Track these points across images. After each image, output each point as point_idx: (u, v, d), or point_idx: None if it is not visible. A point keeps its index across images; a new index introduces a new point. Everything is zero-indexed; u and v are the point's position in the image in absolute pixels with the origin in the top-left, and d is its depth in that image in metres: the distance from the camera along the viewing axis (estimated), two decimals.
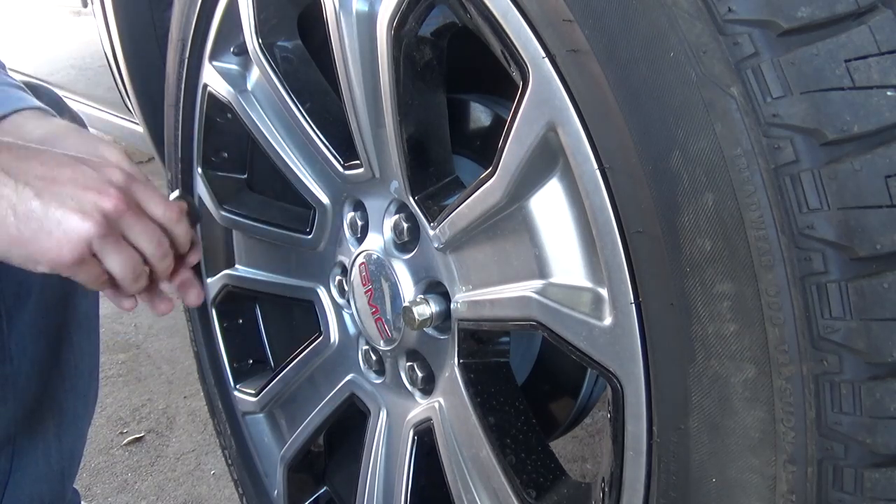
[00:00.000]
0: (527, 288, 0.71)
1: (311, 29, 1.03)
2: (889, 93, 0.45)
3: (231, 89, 1.09)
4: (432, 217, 0.83)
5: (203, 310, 1.37)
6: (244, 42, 1.02)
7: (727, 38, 0.47)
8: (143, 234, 0.83)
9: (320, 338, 1.14)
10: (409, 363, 0.97)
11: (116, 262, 0.82)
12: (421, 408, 0.95)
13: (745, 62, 0.47)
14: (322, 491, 1.30)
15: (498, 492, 0.81)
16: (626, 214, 0.56)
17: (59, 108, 1.06)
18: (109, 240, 0.79)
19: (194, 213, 0.97)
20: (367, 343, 1.06)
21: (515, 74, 0.64)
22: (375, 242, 0.95)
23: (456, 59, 0.84)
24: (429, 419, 0.92)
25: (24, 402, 1.14)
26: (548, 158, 0.65)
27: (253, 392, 1.28)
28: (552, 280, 0.70)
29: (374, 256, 0.95)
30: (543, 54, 0.59)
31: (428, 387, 0.95)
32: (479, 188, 0.72)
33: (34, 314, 1.12)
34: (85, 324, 1.21)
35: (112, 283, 0.85)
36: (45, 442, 1.20)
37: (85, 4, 1.66)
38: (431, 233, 0.83)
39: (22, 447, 1.16)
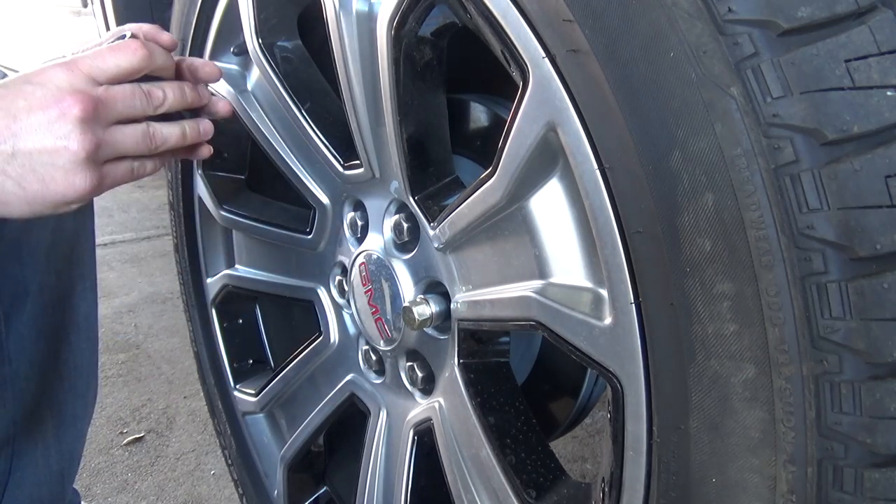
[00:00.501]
0: (527, 288, 0.71)
1: (311, 29, 1.03)
2: (889, 93, 0.45)
3: (231, 89, 1.09)
4: (432, 217, 0.83)
5: (203, 310, 1.37)
6: (244, 42, 1.02)
7: (727, 38, 0.47)
8: (126, 101, 0.78)
9: (320, 338, 1.14)
10: (409, 363, 0.97)
11: (129, 147, 0.78)
12: (421, 408, 0.95)
13: (745, 62, 0.47)
14: (322, 491, 1.30)
15: (498, 492, 0.81)
16: (626, 214, 0.56)
17: None
18: (105, 139, 0.76)
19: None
20: (367, 343, 1.06)
21: (515, 74, 0.64)
22: (375, 242, 0.95)
23: (456, 59, 0.84)
24: (429, 419, 0.92)
25: (23, 404, 1.14)
26: (548, 158, 0.65)
27: (253, 392, 1.28)
28: (552, 280, 0.70)
29: (374, 256, 0.95)
30: (543, 54, 0.59)
31: (428, 387, 0.95)
32: (479, 188, 0.72)
33: (33, 315, 1.12)
34: (84, 325, 1.21)
35: (152, 158, 0.81)
36: (45, 443, 1.19)
37: (85, 4, 1.66)
38: (431, 233, 0.83)
39: (21, 448, 1.16)
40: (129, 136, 0.79)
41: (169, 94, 0.83)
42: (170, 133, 0.84)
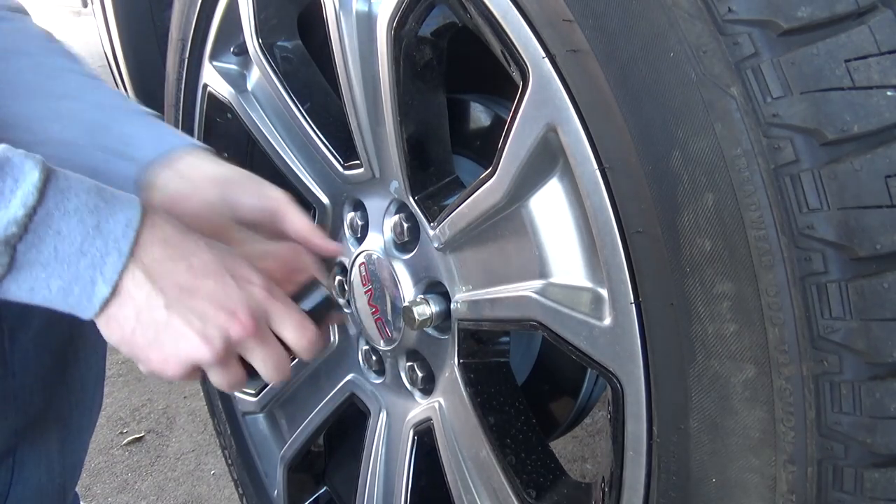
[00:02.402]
0: (527, 288, 0.71)
1: (311, 29, 1.03)
2: (889, 93, 0.45)
3: (231, 89, 1.09)
4: (432, 217, 0.83)
5: None
6: (244, 42, 1.02)
7: (727, 38, 0.47)
8: (263, 359, 0.77)
9: None
10: (409, 363, 0.97)
11: (219, 379, 0.77)
12: (421, 408, 0.95)
13: (745, 62, 0.47)
14: (322, 491, 1.30)
15: (498, 492, 0.81)
16: (626, 214, 0.56)
17: None
18: (221, 361, 0.75)
19: (329, 311, 0.85)
20: (367, 343, 1.06)
21: (515, 74, 0.64)
22: (375, 242, 0.95)
23: (456, 59, 0.84)
24: (429, 419, 0.92)
25: (27, 416, 1.13)
26: (548, 158, 0.65)
27: (253, 392, 1.28)
28: (552, 280, 0.70)
29: (374, 256, 0.95)
30: (543, 54, 0.59)
31: (428, 387, 0.95)
32: (479, 188, 0.72)
33: (39, 330, 1.11)
34: (92, 337, 1.20)
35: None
36: (48, 455, 1.19)
37: (85, 4, 1.66)
38: (431, 233, 0.83)
39: (24, 459, 1.15)
40: (229, 374, 0.77)
41: (286, 374, 0.81)
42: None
